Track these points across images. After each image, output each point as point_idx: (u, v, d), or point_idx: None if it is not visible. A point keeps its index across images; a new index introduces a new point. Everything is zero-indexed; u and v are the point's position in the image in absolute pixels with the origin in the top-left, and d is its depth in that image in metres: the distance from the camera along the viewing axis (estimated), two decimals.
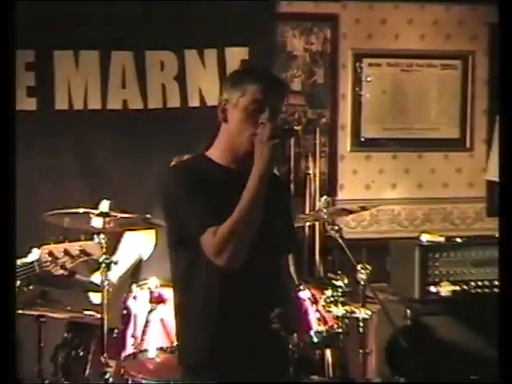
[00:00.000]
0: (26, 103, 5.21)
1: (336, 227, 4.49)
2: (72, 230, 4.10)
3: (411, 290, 5.14)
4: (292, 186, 5.37)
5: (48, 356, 4.47)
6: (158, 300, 4.12)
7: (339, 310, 4.44)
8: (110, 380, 4.11)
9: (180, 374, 2.97)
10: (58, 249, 3.26)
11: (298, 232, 5.17)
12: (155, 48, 5.37)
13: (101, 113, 5.34)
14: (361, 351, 4.52)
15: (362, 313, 4.43)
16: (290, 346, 3.91)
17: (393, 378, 4.99)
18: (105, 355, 4.09)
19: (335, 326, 4.39)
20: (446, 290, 5.13)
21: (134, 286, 4.32)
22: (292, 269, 4.15)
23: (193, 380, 2.91)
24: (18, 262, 3.74)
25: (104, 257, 3.93)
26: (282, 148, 2.76)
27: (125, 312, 4.24)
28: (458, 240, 5.37)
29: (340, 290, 4.54)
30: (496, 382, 2.71)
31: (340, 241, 4.44)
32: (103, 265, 3.96)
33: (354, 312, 4.44)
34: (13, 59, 2.79)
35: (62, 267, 3.25)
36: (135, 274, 4.74)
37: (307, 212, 5.38)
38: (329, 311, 4.42)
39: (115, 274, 4.30)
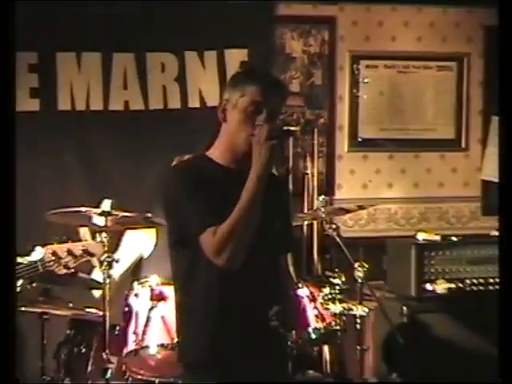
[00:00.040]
0: (29, 104, 5.21)
1: (334, 226, 4.49)
2: (74, 228, 4.12)
3: (407, 287, 5.14)
4: (290, 186, 5.36)
5: (51, 353, 4.46)
6: (158, 297, 4.12)
7: (337, 308, 4.44)
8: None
9: (180, 371, 2.98)
10: (62, 249, 3.26)
11: (297, 231, 5.18)
12: (156, 50, 5.37)
13: (103, 113, 5.34)
14: (358, 348, 4.53)
15: (359, 310, 4.43)
16: (289, 343, 3.94)
17: (389, 375, 4.99)
18: (107, 352, 4.10)
19: (333, 323, 4.40)
20: (441, 287, 5.13)
21: (135, 284, 4.32)
22: (291, 267, 4.16)
23: (192, 376, 2.91)
24: (22, 260, 3.75)
25: (106, 255, 3.93)
26: (280, 149, 2.76)
27: (126, 309, 4.25)
28: (454, 238, 5.37)
29: (338, 287, 4.54)
30: (496, 382, 2.70)
31: (338, 239, 4.44)
32: (105, 263, 3.96)
33: (351, 309, 4.45)
34: (13, 60, 2.77)
35: (66, 267, 3.26)
36: (136, 271, 4.74)
37: (305, 211, 5.38)
38: (327, 308, 4.42)
39: (116, 272, 4.31)
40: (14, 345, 2.57)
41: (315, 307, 4.38)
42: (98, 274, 4.09)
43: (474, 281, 5.21)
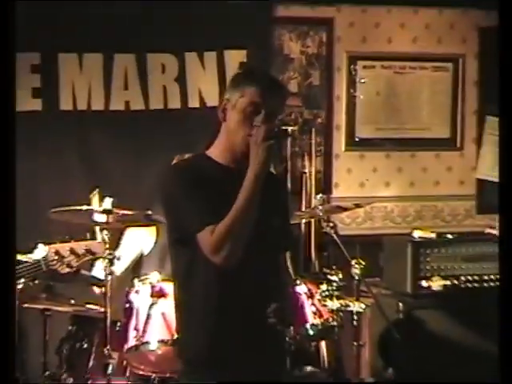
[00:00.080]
0: (32, 104, 5.21)
1: (331, 224, 4.49)
2: (76, 227, 4.12)
3: (403, 284, 5.14)
4: (289, 184, 5.37)
5: (53, 348, 4.47)
6: (159, 294, 4.13)
7: (334, 304, 4.45)
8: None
9: (180, 367, 2.98)
10: (64, 248, 3.26)
11: (295, 229, 5.18)
12: (156, 51, 5.37)
13: (104, 113, 5.34)
14: (355, 343, 4.53)
15: (356, 306, 4.44)
16: (287, 339, 3.94)
17: (385, 370, 4.99)
18: (108, 347, 4.10)
19: (330, 319, 4.40)
20: (437, 284, 5.13)
21: (136, 281, 4.32)
22: (289, 265, 4.16)
23: (191, 372, 2.91)
24: (25, 258, 3.75)
25: (107, 252, 3.93)
26: (278, 148, 2.76)
27: (127, 306, 4.25)
28: (449, 236, 5.37)
29: (335, 284, 4.55)
30: (496, 382, 2.70)
31: (335, 237, 4.44)
32: (106, 260, 3.96)
33: (348, 306, 4.45)
34: (13, 60, 2.76)
35: (68, 265, 3.26)
36: (137, 268, 4.74)
37: (303, 209, 5.38)
38: (324, 305, 4.43)
39: (117, 269, 4.31)
40: (14, 345, 2.56)
41: (313, 304, 4.38)
42: (99, 271, 4.08)
43: (469, 278, 5.22)
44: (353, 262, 4.39)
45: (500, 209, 3.06)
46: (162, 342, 4.04)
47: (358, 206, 5.05)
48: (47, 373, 4.41)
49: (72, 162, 5.29)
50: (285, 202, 3.11)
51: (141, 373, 4.21)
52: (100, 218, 4.10)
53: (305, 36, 5.72)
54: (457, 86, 5.99)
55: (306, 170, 5.65)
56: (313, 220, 5.38)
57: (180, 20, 5.34)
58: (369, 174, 5.87)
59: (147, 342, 4.08)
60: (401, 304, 5.03)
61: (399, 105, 5.90)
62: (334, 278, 4.55)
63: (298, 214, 4.86)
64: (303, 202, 5.55)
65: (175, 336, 3.71)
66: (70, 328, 4.51)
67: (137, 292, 4.26)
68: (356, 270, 4.38)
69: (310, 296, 4.41)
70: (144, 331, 4.08)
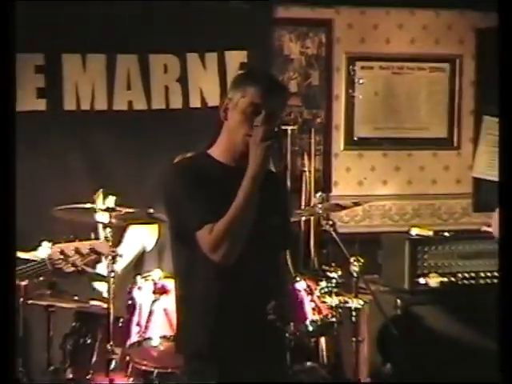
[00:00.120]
0: (36, 104, 5.21)
1: (330, 222, 4.50)
2: (80, 225, 4.12)
3: (401, 281, 5.14)
4: (288, 183, 5.37)
5: (57, 344, 4.47)
6: (161, 291, 4.12)
7: (333, 301, 4.45)
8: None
9: (181, 362, 2.98)
10: (69, 247, 3.26)
11: (294, 227, 5.18)
12: (158, 51, 5.37)
13: (107, 113, 5.34)
14: (353, 339, 4.54)
15: (354, 303, 4.44)
16: (287, 335, 3.94)
17: (384, 365, 4.99)
18: (111, 343, 4.10)
19: (329, 315, 4.40)
20: (434, 281, 5.13)
21: (138, 278, 4.32)
22: (289, 262, 4.16)
23: (192, 368, 2.91)
24: (30, 256, 3.75)
25: (110, 249, 3.93)
26: (278, 148, 2.75)
27: (130, 302, 4.25)
28: (446, 234, 5.37)
29: (334, 281, 4.55)
30: (496, 382, 2.70)
31: (334, 235, 4.44)
32: (109, 257, 3.96)
33: (347, 302, 4.46)
34: (13, 60, 2.74)
35: (73, 265, 3.25)
36: (139, 266, 4.74)
37: (303, 207, 5.38)
38: (323, 301, 4.43)
39: (119, 266, 4.31)
40: (14, 345, 2.55)
41: (312, 300, 4.38)
42: (102, 269, 4.08)
43: (466, 275, 5.22)
44: (351, 260, 4.39)
45: (500, 208, 3.05)
46: (164, 337, 4.03)
47: (356, 204, 5.05)
48: (51, 368, 4.42)
49: (75, 161, 5.28)
50: (285, 200, 3.11)
51: (143, 368, 4.21)
52: (103, 216, 4.11)
53: (304, 37, 5.72)
54: (454, 86, 5.99)
55: (306, 169, 5.65)
56: (312, 218, 5.38)
57: (181, 21, 5.34)
58: (367, 172, 5.87)
59: (149, 338, 4.07)
60: (399, 300, 5.03)
61: (397, 105, 5.90)
62: (333, 274, 4.55)
63: (297, 212, 4.86)
64: (303, 200, 5.55)
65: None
66: (73, 324, 4.51)
67: (139, 289, 4.26)
68: (355, 267, 4.39)
69: (310, 293, 4.40)
70: (146, 327, 4.08)
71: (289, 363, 4.21)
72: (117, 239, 4.29)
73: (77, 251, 3.26)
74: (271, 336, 2.86)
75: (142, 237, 4.74)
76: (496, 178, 5.70)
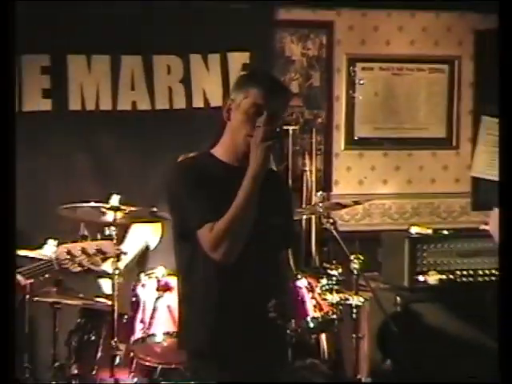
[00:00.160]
0: (42, 104, 5.21)
1: (331, 220, 4.49)
2: (86, 223, 4.12)
3: (401, 278, 5.14)
4: (290, 182, 5.36)
5: (62, 340, 4.47)
6: (164, 288, 4.13)
7: (334, 298, 4.45)
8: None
9: (185, 358, 2.98)
10: (76, 248, 3.26)
11: (296, 225, 5.17)
12: (162, 52, 5.37)
13: (111, 113, 5.33)
14: (354, 336, 4.53)
15: (355, 300, 4.44)
16: (289, 331, 3.94)
17: (384, 362, 4.99)
18: (115, 339, 4.10)
19: (330, 312, 4.40)
20: (433, 278, 5.13)
21: (142, 275, 4.33)
22: (291, 260, 4.16)
23: (194, 364, 2.91)
24: (35, 254, 3.75)
25: (115, 248, 3.92)
26: (279, 148, 2.75)
27: (134, 299, 4.25)
28: (445, 232, 5.37)
29: (335, 278, 4.55)
30: (496, 382, 2.69)
31: (335, 233, 4.44)
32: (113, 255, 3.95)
33: (347, 299, 4.45)
34: (13, 60, 2.72)
35: (80, 265, 3.26)
36: (143, 263, 4.74)
37: (304, 206, 5.38)
38: (324, 299, 4.43)
39: (121, 263, 4.32)
40: (14, 345, 2.54)
41: (313, 297, 4.39)
42: (107, 267, 4.08)
43: (464, 272, 5.21)
44: (352, 257, 4.39)
45: (500, 208, 3.04)
46: (167, 334, 4.04)
47: (356, 203, 5.05)
48: (56, 364, 4.42)
49: (80, 161, 5.28)
50: (288, 199, 3.10)
51: (147, 364, 4.22)
52: (108, 214, 4.11)
53: (306, 39, 5.72)
54: (453, 87, 5.98)
55: (307, 168, 5.65)
56: (313, 216, 5.38)
57: (185, 23, 5.34)
58: (367, 172, 5.87)
59: (153, 334, 4.08)
60: (398, 298, 5.03)
61: (397, 105, 5.90)
62: (333, 272, 4.55)
63: (298, 210, 4.86)
64: (304, 199, 5.55)
65: None
66: (78, 321, 4.51)
67: (143, 286, 4.26)
68: (355, 265, 4.38)
69: (311, 290, 4.41)
70: (150, 324, 4.09)
71: (290, 359, 4.21)
72: (120, 237, 4.29)
73: (83, 251, 3.26)
74: (272, 333, 2.86)
75: (144, 235, 4.74)
76: (494, 178, 5.72)
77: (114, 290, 4.09)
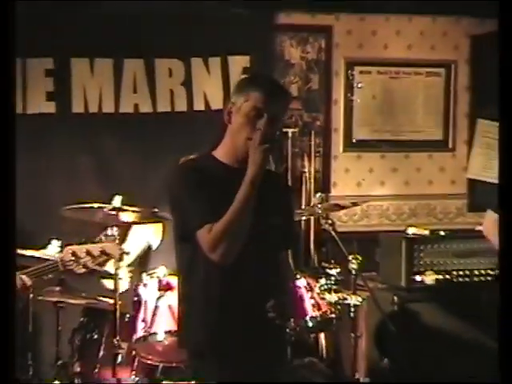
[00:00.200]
0: (46, 107, 5.21)
1: (329, 221, 4.49)
2: (89, 224, 4.13)
3: (398, 278, 5.13)
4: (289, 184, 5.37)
5: (65, 338, 4.47)
6: (166, 287, 4.13)
7: (332, 297, 4.45)
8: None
9: (186, 356, 2.99)
10: (81, 249, 3.26)
11: (296, 228, 5.17)
12: (164, 56, 5.37)
13: (114, 116, 5.34)
14: (352, 335, 4.53)
15: (353, 299, 4.44)
16: (288, 330, 3.94)
17: (381, 360, 4.99)
18: (117, 338, 4.11)
19: (328, 311, 4.40)
20: (430, 278, 5.12)
21: (144, 275, 4.33)
22: (290, 260, 4.16)
23: (195, 362, 2.91)
24: (39, 254, 3.75)
25: (118, 249, 3.92)
26: (279, 150, 2.75)
27: (136, 298, 4.25)
28: (442, 233, 5.37)
29: (333, 278, 4.55)
30: (496, 382, 2.69)
31: (333, 234, 4.44)
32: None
33: (345, 299, 4.45)
34: (13, 60, 2.71)
35: (84, 266, 3.26)
36: (144, 263, 4.74)
37: (303, 207, 5.38)
38: (323, 298, 4.43)
39: (124, 262, 4.32)
40: (14, 345, 2.53)
41: (312, 297, 4.39)
42: (110, 267, 4.08)
43: (460, 272, 5.21)
44: (350, 258, 4.39)
45: (500, 210, 3.04)
46: (168, 332, 4.04)
47: (355, 204, 5.05)
48: (60, 362, 4.42)
49: (83, 162, 5.29)
50: (289, 201, 3.10)
51: (148, 362, 4.22)
52: (110, 215, 4.11)
53: (305, 42, 5.72)
54: (449, 90, 5.99)
55: (306, 170, 5.65)
56: (312, 217, 5.39)
57: (187, 27, 5.34)
58: (365, 173, 5.87)
59: (155, 333, 4.08)
60: (395, 297, 5.02)
61: (394, 108, 5.90)
62: (332, 272, 4.55)
63: (297, 211, 4.85)
64: (303, 201, 5.55)
65: None
66: (81, 319, 4.51)
67: (145, 286, 4.26)
68: (353, 265, 4.38)
69: (310, 290, 4.41)
70: (152, 323, 4.08)
71: (289, 358, 4.21)
72: (122, 238, 4.29)
73: (88, 253, 3.27)
74: (271, 333, 2.85)
75: (146, 235, 4.74)
76: (490, 179, 5.73)
77: (116, 289, 4.09)
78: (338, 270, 4.59)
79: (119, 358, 4.12)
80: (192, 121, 5.39)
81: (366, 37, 5.80)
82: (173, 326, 3.99)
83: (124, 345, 4.16)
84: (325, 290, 4.50)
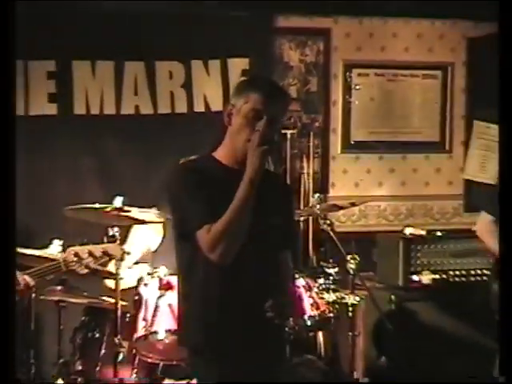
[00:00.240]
0: (48, 108, 5.21)
1: (328, 221, 4.50)
2: (89, 223, 4.13)
3: (395, 278, 5.14)
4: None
5: (67, 337, 4.47)
6: (166, 287, 4.13)
7: (330, 297, 4.45)
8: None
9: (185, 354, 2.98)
10: (83, 250, 3.26)
11: (296, 229, 5.18)
12: (164, 59, 5.37)
13: (115, 117, 5.34)
14: (350, 333, 4.54)
15: (351, 299, 4.44)
16: (287, 329, 3.94)
17: (379, 358, 4.99)
18: (118, 337, 4.10)
19: (327, 310, 4.40)
20: (426, 278, 5.13)
21: (145, 275, 4.32)
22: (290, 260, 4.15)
23: (195, 360, 2.91)
24: (41, 253, 3.75)
25: (120, 249, 3.92)
26: (277, 152, 2.75)
27: (137, 298, 4.25)
28: (438, 233, 5.37)
29: (331, 278, 4.56)
30: (496, 382, 2.70)
31: (331, 234, 4.44)
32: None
33: (343, 298, 4.46)
34: (13, 61, 2.71)
35: (87, 267, 3.26)
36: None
37: (302, 208, 5.38)
38: (321, 297, 4.43)
39: (127, 263, 4.32)
40: (14, 345, 2.52)
41: (311, 296, 4.39)
42: (112, 267, 4.08)
43: (457, 272, 5.22)
44: (348, 258, 4.39)
45: (500, 211, 3.05)
46: (169, 331, 4.04)
47: (353, 204, 5.05)
48: (61, 360, 4.42)
49: (85, 163, 5.29)
50: (288, 201, 3.09)
51: (149, 360, 4.22)
52: (111, 215, 4.11)
53: (303, 45, 5.72)
54: (446, 92, 5.99)
55: (305, 171, 5.65)
56: (311, 218, 5.39)
57: (187, 31, 5.34)
58: (363, 174, 5.87)
59: (155, 332, 4.08)
60: (393, 297, 5.03)
61: (392, 110, 5.90)
62: (330, 272, 4.55)
63: (296, 212, 4.86)
64: (301, 201, 5.55)
65: None
66: (83, 318, 4.51)
67: (146, 285, 4.26)
68: (351, 265, 4.38)
69: (308, 289, 4.41)
70: (152, 321, 4.08)
71: (288, 356, 4.21)
72: (123, 237, 4.29)
73: (90, 254, 3.27)
74: (271, 332, 2.85)
75: (146, 235, 4.74)
76: (486, 180, 5.73)
77: (117, 289, 4.09)
78: (337, 269, 4.59)
79: (120, 357, 4.11)
80: (192, 122, 5.39)
81: (364, 40, 5.80)
82: (173, 325, 3.99)
83: (125, 343, 4.15)
84: (323, 289, 4.50)
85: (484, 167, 5.88)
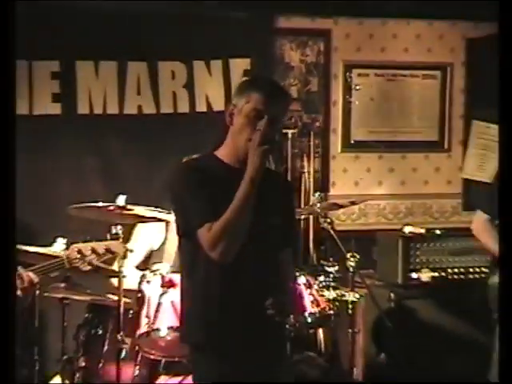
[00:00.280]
0: (52, 108, 5.22)
1: (328, 220, 4.50)
2: (92, 222, 4.13)
3: (395, 276, 5.14)
4: None
5: (71, 334, 4.47)
6: (169, 284, 4.12)
7: (331, 294, 4.45)
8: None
9: (187, 351, 2.99)
10: (86, 247, 3.26)
11: (297, 228, 5.18)
12: (167, 59, 5.38)
13: (118, 117, 5.34)
14: (350, 331, 4.53)
15: (351, 296, 4.44)
16: (287, 326, 3.94)
17: (378, 355, 5.00)
18: (121, 334, 4.10)
19: (327, 308, 4.40)
20: (426, 276, 5.13)
21: (147, 272, 4.32)
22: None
23: (196, 357, 2.91)
24: (45, 251, 3.75)
25: (122, 247, 3.92)
26: (278, 151, 2.75)
27: (139, 295, 4.24)
28: (437, 232, 5.38)
29: (331, 276, 4.56)
30: (496, 382, 2.70)
31: (332, 232, 4.44)
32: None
33: (343, 296, 4.46)
34: (13, 61, 2.71)
35: (90, 264, 3.26)
36: (147, 261, 4.73)
37: (302, 206, 5.38)
38: (321, 295, 4.43)
39: (132, 262, 4.33)
40: (14, 345, 2.52)
41: (311, 294, 4.38)
42: (116, 265, 4.08)
43: (456, 270, 5.22)
44: (348, 256, 4.39)
45: (500, 211, 3.05)
46: (171, 328, 4.03)
47: (353, 203, 5.05)
48: (65, 357, 4.42)
49: (88, 162, 5.29)
50: (290, 200, 3.09)
51: (152, 357, 4.21)
52: (115, 214, 4.11)
53: (304, 46, 5.73)
54: (445, 92, 5.99)
55: (305, 170, 5.66)
56: (311, 216, 5.39)
57: (189, 31, 5.34)
58: (363, 173, 5.88)
59: (158, 329, 4.07)
60: (392, 294, 5.03)
61: (391, 110, 5.90)
62: (330, 270, 4.55)
63: (297, 210, 4.86)
64: (302, 200, 5.55)
65: None
66: (86, 315, 4.51)
67: (148, 282, 4.26)
68: (351, 263, 4.39)
69: (309, 287, 4.40)
70: (155, 318, 4.07)
71: (289, 353, 4.20)
72: (126, 236, 4.29)
73: (93, 251, 3.27)
74: (271, 330, 2.85)
75: (149, 234, 4.73)
76: (484, 179, 5.73)
77: (120, 286, 4.09)
78: (337, 267, 4.59)
79: (123, 353, 4.10)
80: (194, 122, 5.39)
81: (364, 40, 5.80)
82: (175, 322, 3.98)
83: (128, 340, 4.15)
84: (323, 287, 4.50)
85: (482, 166, 5.88)
